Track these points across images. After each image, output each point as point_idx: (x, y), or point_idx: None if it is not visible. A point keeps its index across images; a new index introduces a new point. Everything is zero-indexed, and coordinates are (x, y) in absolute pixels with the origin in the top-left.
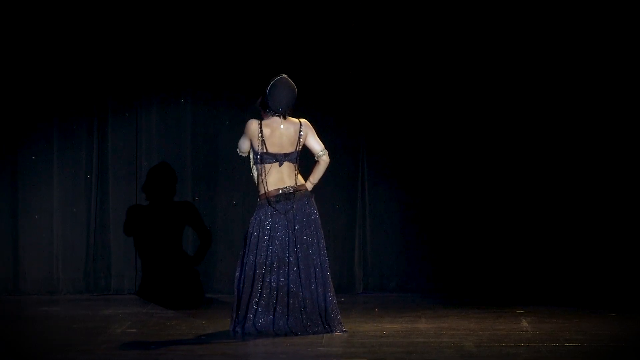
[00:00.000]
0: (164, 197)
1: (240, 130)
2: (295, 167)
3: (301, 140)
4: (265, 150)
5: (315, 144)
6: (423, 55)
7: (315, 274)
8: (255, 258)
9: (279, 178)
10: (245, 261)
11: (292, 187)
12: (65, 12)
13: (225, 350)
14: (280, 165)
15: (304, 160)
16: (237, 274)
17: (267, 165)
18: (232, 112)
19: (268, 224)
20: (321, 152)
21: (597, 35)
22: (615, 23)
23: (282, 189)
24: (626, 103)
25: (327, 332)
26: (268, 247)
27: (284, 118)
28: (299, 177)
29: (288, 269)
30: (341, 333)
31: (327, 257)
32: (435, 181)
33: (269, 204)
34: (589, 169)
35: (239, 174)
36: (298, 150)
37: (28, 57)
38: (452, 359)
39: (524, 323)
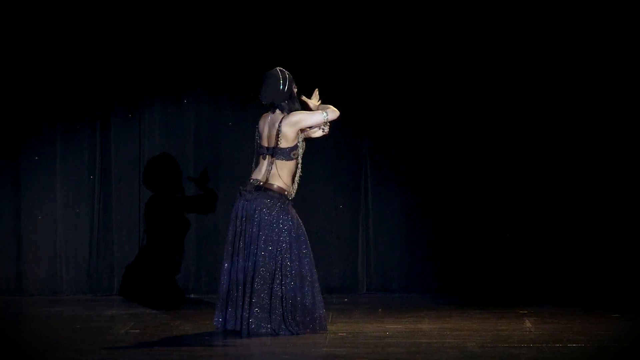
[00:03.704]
0: (167, 197)
1: (242, 131)
2: (273, 162)
3: (280, 137)
4: (259, 142)
5: (314, 120)
6: (427, 56)
7: (279, 273)
8: (226, 243)
9: (257, 170)
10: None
11: (258, 180)
12: (67, 14)
13: (227, 351)
14: (263, 158)
15: (306, 162)
16: None
17: (259, 157)
18: (235, 113)
19: (234, 211)
20: (323, 119)
21: (597, 35)
22: (615, 23)
23: (252, 179)
24: (626, 103)
25: (300, 333)
26: (229, 235)
27: (273, 112)
28: (274, 176)
29: (245, 263)
30: (320, 334)
31: (308, 257)
32: (438, 181)
33: (239, 192)
34: (593, 169)
35: (242, 175)
36: (280, 147)
37: (31, 58)
38: (455, 359)
39: (527, 323)
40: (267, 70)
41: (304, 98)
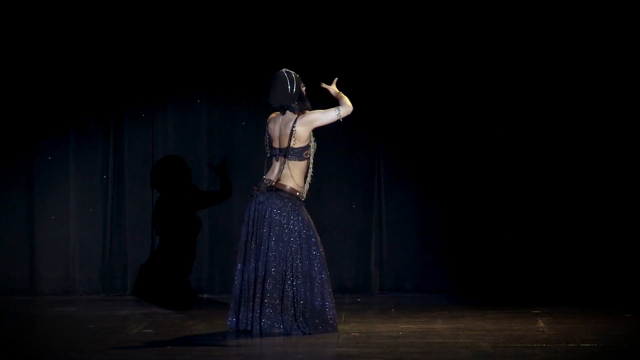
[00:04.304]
0: (180, 197)
1: (256, 130)
2: (285, 163)
3: (294, 136)
4: (270, 144)
5: (328, 118)
6: (440, 57)
7: (290, 274)
8: (239, 244)
9: (270, 171)
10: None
11: (270, 181)
12: (82, 15)
13: (241, 350)
14: (276, 160)
15: (319, 161)
16: None
17: (272, 159)
18: (248, 112)
19: (246, 212)
20: (336, 116)
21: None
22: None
23: (265, 180)
24: (626, 103)
25: (312, 333)
26: (242, 235)
27: (283, 113)
28: (287, 176)
29: (256, 263)
30: (333, 334)
31: (318, 258)
32: (452, 181)
33: (252, 193)
34: (607, 169)
35: (255, 175)
36: (293, 147)
37: (45, 58)
38: (469, 359)
39: (540, 323)
40: (278, 70)
41: (324, 85)
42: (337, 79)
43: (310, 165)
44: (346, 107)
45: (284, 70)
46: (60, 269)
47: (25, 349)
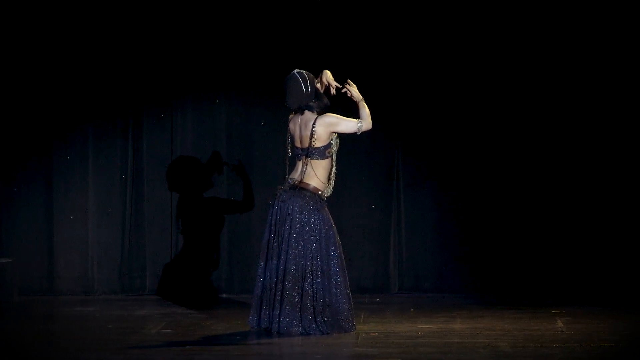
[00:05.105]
0: (199, 197)
1: (275, 130)
2: (308, 162)
3: (314, 136)
4: (292, 144)
5: (347, 127)
6: (458, 58)
7: (309, 273)
8: (262, 242)
9: (294, 170)
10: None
11: (293, 179)
12: (99, 16)
13: (260, 350)
14: (299, 159)
15: (338, 162)
16: None
17: (295, 158)
18: (267, 113)
19: (270, 212)
20: (356, 128)
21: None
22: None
23: (289, 179)
24: (626, 103)
25: (330, 333)
26: (266, 234)
27: (302, 113)
28: (310, 175)
29: (278, 261)
30: (352, 333)
31: (336, 259)
32: (471, 181)
33: (276, 192)
34: (625, 167)
35: (274, 175)
36: (314, 147)
37: (64, 58)
38: (488, 359)
39: (559, 323)
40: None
41: (347, 86)
42: (348, 79)
43: (334, 163)
44: (367, 123)
45: (295, 71)
46: (79, 269)
47: (44, 349)
